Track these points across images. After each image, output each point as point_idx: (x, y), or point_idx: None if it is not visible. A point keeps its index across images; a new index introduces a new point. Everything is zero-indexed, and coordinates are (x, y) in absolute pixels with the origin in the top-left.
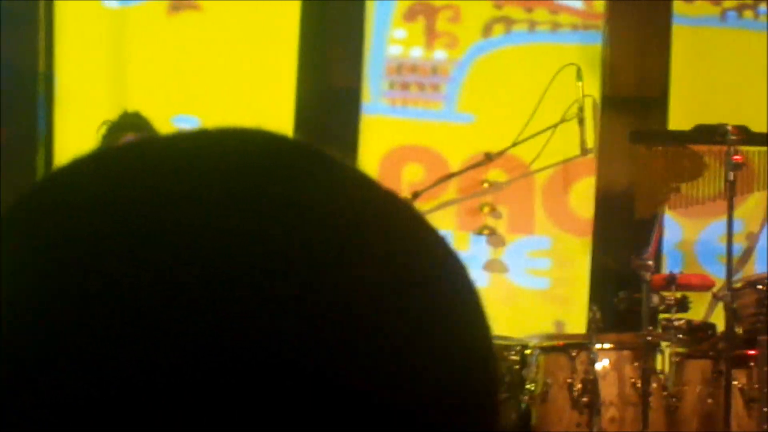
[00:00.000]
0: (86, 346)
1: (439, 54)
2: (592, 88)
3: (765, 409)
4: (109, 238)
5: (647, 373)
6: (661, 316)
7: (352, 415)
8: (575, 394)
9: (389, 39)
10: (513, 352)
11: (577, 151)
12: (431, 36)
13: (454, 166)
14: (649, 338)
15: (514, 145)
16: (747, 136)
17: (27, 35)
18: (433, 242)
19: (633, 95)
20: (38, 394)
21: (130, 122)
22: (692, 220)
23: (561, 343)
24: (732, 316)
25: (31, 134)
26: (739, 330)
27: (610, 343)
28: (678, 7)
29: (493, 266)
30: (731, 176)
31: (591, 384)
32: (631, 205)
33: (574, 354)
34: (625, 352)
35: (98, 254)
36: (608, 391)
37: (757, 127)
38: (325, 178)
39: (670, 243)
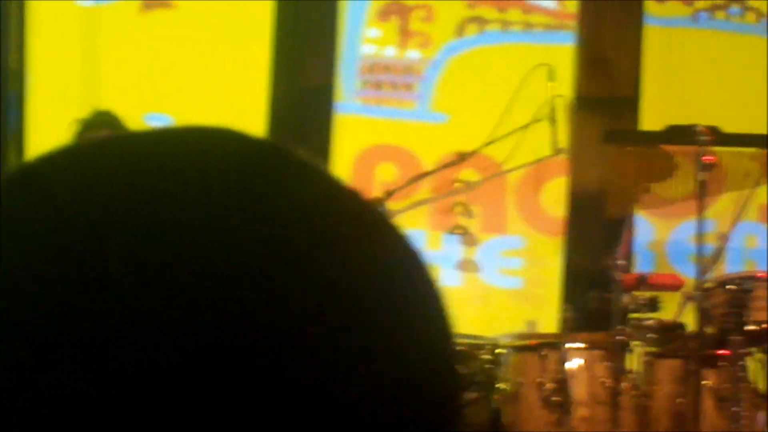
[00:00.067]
0: (86, 346)
1: (413, 53)
2: (564, 88)
3: (735, 409)
4: (92, 234)
5: (618, 372)
6: (632, 315)
7: (313, 415)
8: (546, 393)
9: (362, 38)
10: (485, 351)
11: (550, 151)
12: (404, 35)
13: (427, 165)
14: (620, 338)
15: (487, 144)
16: (718, 136)
17: None
18: (397, 243)
19: (605, 95)
20: (38, 394)
21: (102, 120)
22: (663, 220)
23: (532, 342)
24: (702, 316)
25: (2, 132)
26: (709, 330)
27: (581, 342)
28: (650, 7)
29: (465, 266)
30: (702, 176)
31: (562, 383)
32: (602, 204)
33: (545, 353)
34: (596, 352)
35: (90, 251)
36: (579, 390)
37: (729, 127)
38: (293, 178)
39: (642, 243)
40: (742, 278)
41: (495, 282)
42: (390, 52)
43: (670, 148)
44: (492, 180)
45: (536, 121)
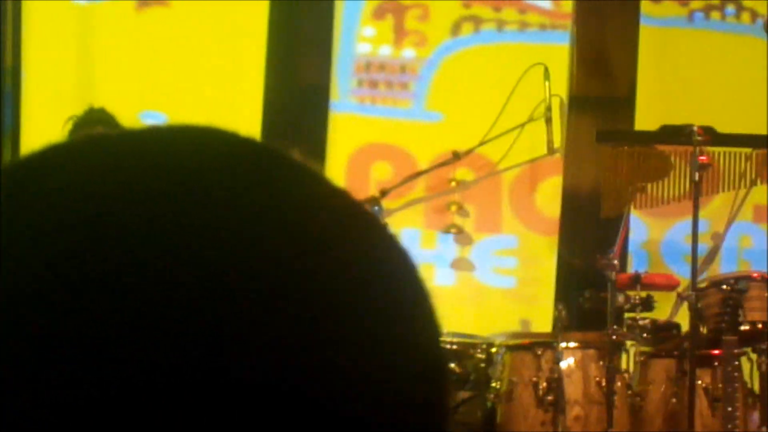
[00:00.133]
0: (86, 345)
1: (408, 52)
2: (559, 87)
3: (729, 409)
4: (85, 232)
5: (612, 372)
6: (626, 315)
7: (301, 418)
8: (540, 392)
9: (358, 37)
10: (479, 351)
11: (544, 151)
12: (400, 34)
13: (422, 164)
14: (614, 337)
15: (482, 144)
16: (713, 136)
17: None
18: (387, 245)
19: (600, 95)
20: (38, 394)
21: (96, 117)
22: (658, 219)
23: (526, 341)
24: (696, 315)
25: None
26: (703, 330)
27: (576, 341)
28: (645, 7)
29: (459, 265)
30: (697, 176)
31: (556, 382)
32: (597, 204)
33: (539, 352)
34: (590, 351)
35: (83, 248)
36: (573, 389)
37: (723, 127)
38: (284, 179)
39: (636, 242)
40: (736, 278)
41: (489, 281)
42: (385, 50)
43: (664, 148)
44: (487, 179)
45: (531, 120)
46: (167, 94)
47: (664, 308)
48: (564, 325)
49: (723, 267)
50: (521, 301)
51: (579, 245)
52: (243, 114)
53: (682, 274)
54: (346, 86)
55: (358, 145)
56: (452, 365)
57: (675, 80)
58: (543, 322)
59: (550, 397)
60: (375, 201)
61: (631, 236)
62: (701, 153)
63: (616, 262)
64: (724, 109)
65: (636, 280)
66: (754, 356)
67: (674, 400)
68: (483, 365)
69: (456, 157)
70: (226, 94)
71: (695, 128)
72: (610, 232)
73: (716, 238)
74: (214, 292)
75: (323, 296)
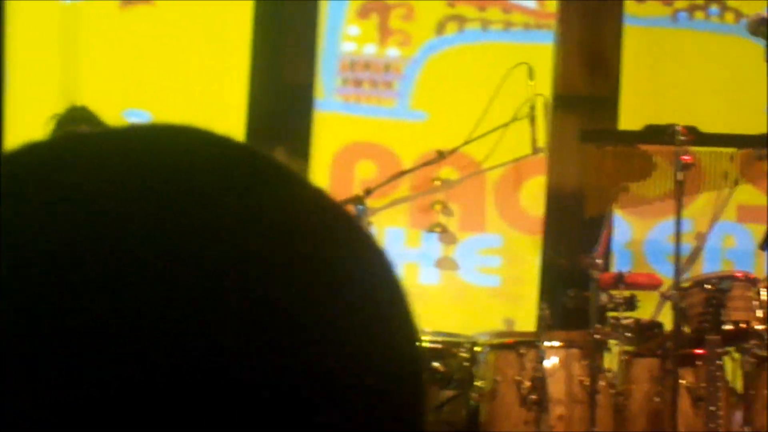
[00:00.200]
0: (86, 345)
1: (392, 51)
2: (543, 87)
3: (711, 408)
4: (66, 230)
5: (595, 371)
6: (610, 314)
7: (276, 417)
8: (524, 391)
9: (343, 36)
10: (463, 350)
11: (529, 150)
12: (384, 33)
13: (407, 163)
14: (598, 336)
15: (466, 143)
16: (696, 136)
17: None
18: (366, 247)
19: (584, 95)
20: (38, 393)
21: (78, 116)
22: (641, 219)
23: (510, 340)
24: (679, 315)
25: None
26: (686, 329)
27: (559, 341)
28: (629, 7)
29: (444, 264)
30: (680, 176)
31: (539, 382)
32: (581, 203)
33: (523, 351)
34: (574, 350)
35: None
36: (556, 388)
37: (707, 127)
38: (265, 180)
39: (620, 242)
40: (719, 278)
41: (473, 280)
42: (370, 50)
43: (648, 147)
44: (471, 178)
45: (515, 119)
46: (151, 92)
47: (647, 308)
48: (548, 324)
49: (706, 267)
50: (505, 300)
51: (563, 244)
52: (228, 113)
53: (665, 273)
54: (331, 85)
55: (343, 143)
56: (436, 364)
57: (659, 80)
58: (527, 321)
59: (533, 396)
60: (359, 200)
61: (615, 236)
62: (685, 153)
63: (599, 261)
64: (708, 108)
65: (619, 280)
66: (737, 356)
67: (657, 399)
68: (467, 364)
69: (440, 156)
70: (210, 92)
71: (679, 128)
72: (593, 231)
73: (699, 237)
74: (213, 292)
75: (305, 297)
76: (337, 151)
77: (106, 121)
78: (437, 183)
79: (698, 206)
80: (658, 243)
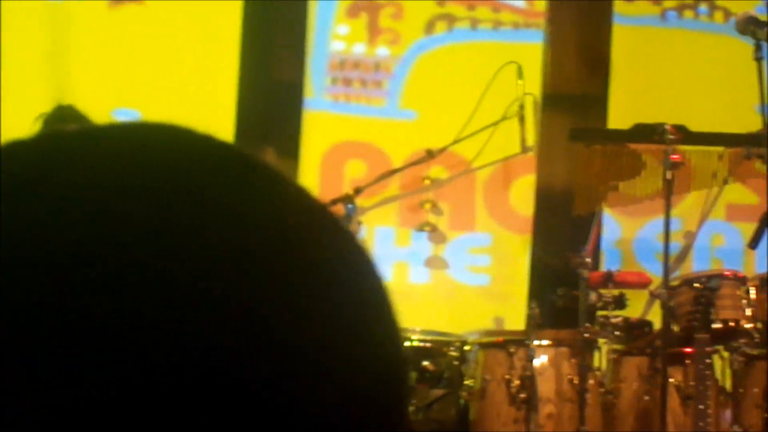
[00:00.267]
0: (86, 345)
1: (382, 50)
2: (532, 86)
3: (701, 407)
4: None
5: (584, 369)
6: (599, 313)
7: (258, 417)
8: (513, 390)
9: (332, 35)
10: (452, 348)
11: (518, 149)
12: (374, 32)
13: (396, 162)
14: (587, 335)
15: (456, 142)
16: (685, 135)
17: None
18: (350, 248)
19: (573, 94)
20: (38, 393)
21: (65, 115)
22: (630, 218)
23: (500, 339)
24: (668, 313)
25: None
26: (675, 328)
27: (548, 339)
28: (618, 6)
29: (433, 263)
30: (669, 175)
31: (529, 380)
32: (570, 202)
33: (512, 350)
34: (563, 349)
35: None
36: (546, 387)
37: (696, 126)
38: (252, 180)
39: (609, 241)
40: (708, 276)
41: (463, 279)
42: (359, 49)
43: (637, 146)
44: (460, 177)
45: (505, 118)
46: (141, 91)
47: (636, 306)
48: (537, 323)
49: (695, 265)
50: (495, 299)
51: (552, 243)
52: (217, 112)
53: (654, 272)
54: (320, 84)
55: (332, 143)
56: (426, 363)
57: (648, 79)
58: (516, 319)
59: (522, 395)
60: (349, 199)
61: (604, 234)
62: (674, 151)
63: (588, 260)
64: (697, 107)
65: (608, 278)
66: (726, 354)
67: (646, 397)
68: (456, 363)
69: (430, 155)
70: (200, 91)
71: (668, 127)
72: (583, 230)
73: (688, 236)
74: (212, 292)
75: (293, 297)
76: (327, 150)
77: (93, 121)
78: (427, 182)
79: (687, 205)
80: (647, 242)
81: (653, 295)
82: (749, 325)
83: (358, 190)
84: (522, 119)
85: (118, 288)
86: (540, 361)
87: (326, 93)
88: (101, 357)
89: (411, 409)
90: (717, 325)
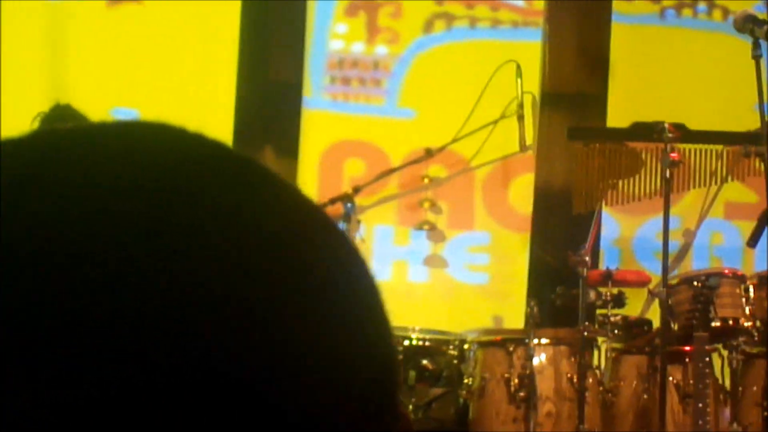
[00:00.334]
0: (86, 345)
1: (381, 49)
2: (531, 84)
3: (700, 405)
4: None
5: (583, 368)
6: (598, 311)
7: (257, 417)
8: (512, 388)
9: (331, 34)
10: (452, 347)
11: (517, 148)
12: (372, 31)
13: (395, 161)
14: (586, 334)
15: (455, 141)
16: (684, 133)
17: None
18: (343, 249)
19: (572, 92)
20: (38, 393)
21: (64, 114)
22: (629, 216)
23: (499, 338)
24: (667, 312)
25: None
26: (674, 326)
27: (547, 338)
28: (617, 5)
29: (432, 261)
30: (668, 173)
31: (528, 379)
32: (569, 201)
33: (511, 349)
34: (562, 348)
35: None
36: (545, 386)
37: (695, 124)
38: (248, 182)
39: (608, 239)
40: (707, 275)
41: (462, 278)
42: (358, 47)
43: (636, 144)
44: (459, 176)
45: (504, 117)
46: (139, 91)
47: (635, 305)
48: (536, 322)
49: (694, 264)
50: (494, 298)
51: (551, 242)
52: (216, 111)
53: (653, 270)
54: (319, 83)
55: (331, 141)
56: (425, 361)
57: (647, 77)
58: (515, 318)
59: (522, 394)
60: (348, 198)
61: (603, 233)
62: (672, 150)
63: (587, 258)
64: (696, 106)
65: (607, 277)
66: (725, 352)
67: (645, 396)
68: (456, 362)
69: (429, 154)
70: (198, 91)
71: (666, 125)
72: (581, 228)
73: (687, 234)
74: (210, 292)
75: (287, 297)
76: (326, 149)
77: (91, 120)
78: (426, 181)
79: (686, 203)
80: (647, 240)
81: (652, 294)
82: (748, 323)
83: (357, 189)
84: (521, 118)
85: (117, 288)
86: (539, 359)
87: (325, 92)
88: (101, 357)
89: (410, 407)
90: (716, 324)
